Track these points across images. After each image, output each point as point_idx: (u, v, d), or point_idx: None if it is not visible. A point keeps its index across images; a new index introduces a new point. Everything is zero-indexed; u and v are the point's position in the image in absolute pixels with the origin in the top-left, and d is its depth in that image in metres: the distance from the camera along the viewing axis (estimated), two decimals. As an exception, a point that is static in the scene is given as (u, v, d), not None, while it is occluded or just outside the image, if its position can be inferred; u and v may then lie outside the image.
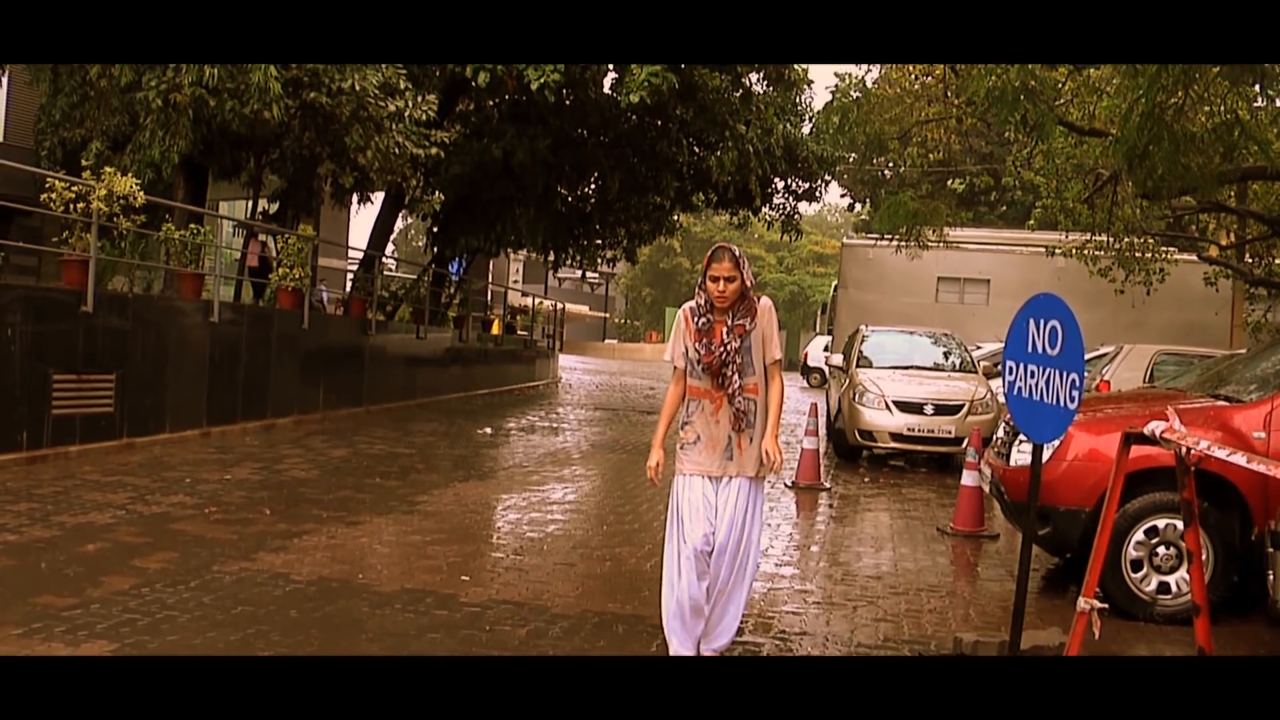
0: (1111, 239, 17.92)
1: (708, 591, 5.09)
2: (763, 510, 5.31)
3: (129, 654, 5.01)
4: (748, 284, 5.08)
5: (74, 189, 10.71)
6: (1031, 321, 5.55)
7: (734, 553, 5.08)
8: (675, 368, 5.27)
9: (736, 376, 5.06)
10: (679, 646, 5.12)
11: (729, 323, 5.07)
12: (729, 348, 5.05)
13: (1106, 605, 4.23)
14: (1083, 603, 3.69)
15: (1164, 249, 19.25)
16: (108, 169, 11.16)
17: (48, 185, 10.74)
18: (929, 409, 13.46)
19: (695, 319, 5.15)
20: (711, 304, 5.10)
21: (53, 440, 10.12)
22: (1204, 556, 6.64)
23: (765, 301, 5.19)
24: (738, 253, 5.05)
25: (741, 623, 6.20)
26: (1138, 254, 18.46)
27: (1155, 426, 3.52)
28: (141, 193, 11.16)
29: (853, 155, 26.13)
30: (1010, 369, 5.75)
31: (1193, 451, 3.42)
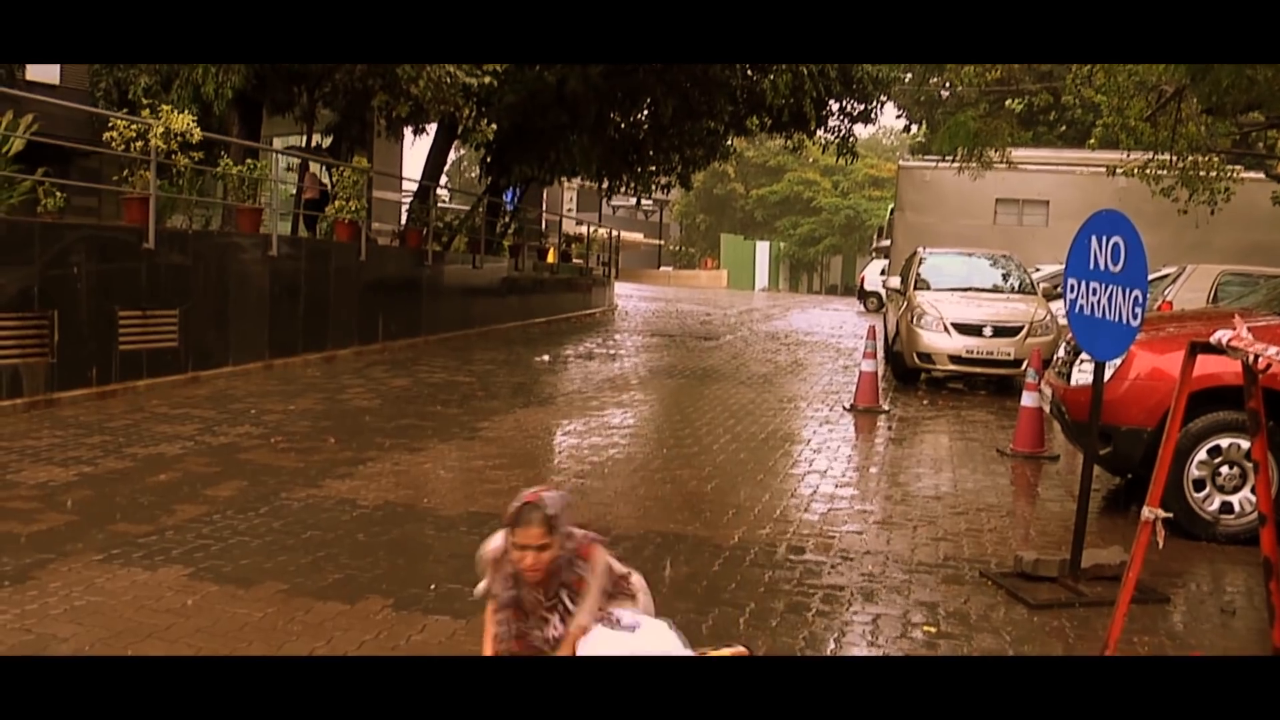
0: (1175, 157, 17.50)
1: None
2: None
3: (205, 577, 5.16)
4: (566, 549, 3.76)
5: (133, 127, 10.82)
6: (1094, 238, 5.50)
7: None
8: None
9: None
10: None
11: (544, 601, 3.78)
12: (551, 638, 3.77)
13: (1171, 514, 4.21)
14: (1147, 511, 3.68)
15: (1230, 167, 18.77)
16: (165, 106, 11.24)
17: (110, 124, 10.84)
18: (988, 331, 13.35)
19: (501, 579, 3.85)
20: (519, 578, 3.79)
21: (121, 375, 10.32)
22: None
23: (599, 553, 3.86)
24: (551, 510, 3.68)
25: (802, 541, 6.28)
26: (1202, 173, 18.00)
27: (1222, 335, 3.48)
28: (198, 129, 11.25)
29: (909, 75, 25.72)
30: (1072, 287, 5.71)
31: (1260, 359, 3.38)
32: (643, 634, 3.77)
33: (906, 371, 14.15)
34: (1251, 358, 3.42)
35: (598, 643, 3.72)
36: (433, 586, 5.16)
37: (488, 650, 3.85)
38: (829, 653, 4.60)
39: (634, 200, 46.47)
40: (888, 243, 32.78)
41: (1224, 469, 6.71)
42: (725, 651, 4.02)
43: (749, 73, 20.97)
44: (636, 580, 4.08)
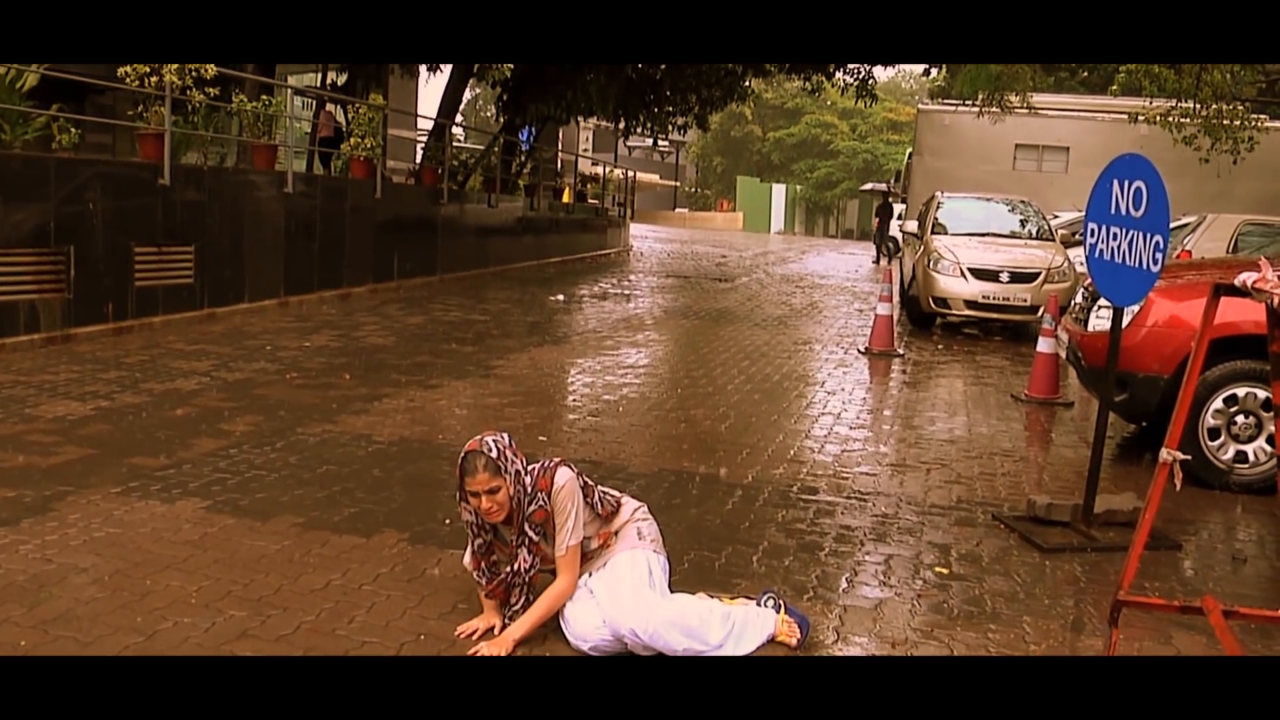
0: (1198, 105, 17.30)
1: None
2: None
3: (222, 510, 5.20)
4: (523, 484, 3.92)
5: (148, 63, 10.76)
6: (1115, 182, 5.45)
7: None
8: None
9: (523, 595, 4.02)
10: None
11: (515, 539, 3.99)
12: (520, 570, 4.00)
13: (1189, 457, 4.19)
14: (1165, 453, 3.66)
15: (1254, 116, 18.53)
16: (180, 40, 11.16)
17: (124, 58, 10.79)
18: (1004, 276, 13.29)
19: (474, 534, 4.06)
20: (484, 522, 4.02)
21: (137, 311, 10.34)
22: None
23: (559, 478, 3.96)
24: (494, 452, 3.86)
25: (816, 482, 6.31)
26: (1226, 121, 17.77)
27: (1247, 277, 3.44)
28: (213, 64, 11.18)
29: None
30: (1092, 231, 5.67)
31: (1285, 300, 3.35)
32: (605, 587, 3.94)
33: (922, 316, 14.12)
34: (1276, 300, 3.38)
35: (579, 612, 3.94)
36: (447, 521, 5.18)
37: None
38: (841, 590, 4.62)
39: (650, 141, 46.21)
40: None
41: (1239, 418, 6.69)
42: (736, 602, 4.06)
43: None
44: (628, 508, 4.22)
